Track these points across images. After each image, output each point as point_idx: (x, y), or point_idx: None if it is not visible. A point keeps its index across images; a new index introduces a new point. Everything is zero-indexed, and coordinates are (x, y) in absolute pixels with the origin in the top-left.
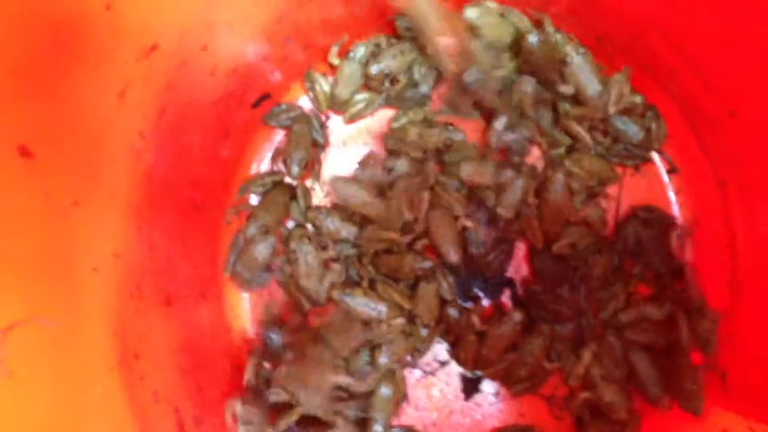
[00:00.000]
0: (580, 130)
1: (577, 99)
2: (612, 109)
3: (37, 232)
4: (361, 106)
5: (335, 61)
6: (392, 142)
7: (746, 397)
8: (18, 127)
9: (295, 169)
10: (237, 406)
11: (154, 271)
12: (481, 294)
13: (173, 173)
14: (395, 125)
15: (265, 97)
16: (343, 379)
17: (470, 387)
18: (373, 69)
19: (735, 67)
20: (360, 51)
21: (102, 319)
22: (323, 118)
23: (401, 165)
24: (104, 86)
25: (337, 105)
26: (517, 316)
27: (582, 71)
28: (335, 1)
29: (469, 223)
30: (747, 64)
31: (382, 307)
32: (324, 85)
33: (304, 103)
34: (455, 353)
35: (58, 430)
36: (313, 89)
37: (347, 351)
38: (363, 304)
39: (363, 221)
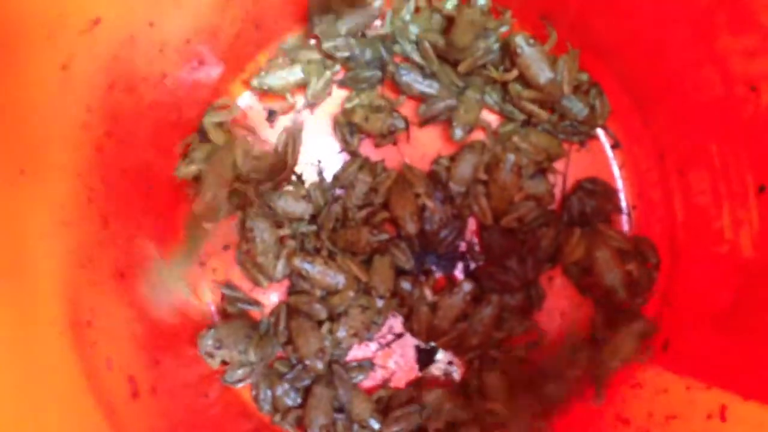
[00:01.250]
0: (533, 108)
1: (527, 83)
2: (566, 90)
3: None
4: (320, 84)
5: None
6: (341, 119)
7: (684, 359)
8: None
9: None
10: (210, 334)
11: (107, 244)
12: (434, 268)
13: (126, 149)
14: (348, 105)
15: (273, 113)
16: None
17: (425, 358)
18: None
19: (670, 44)
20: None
21: (51, 284)
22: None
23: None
24: (47, 58)
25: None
26: (467, 286)
27: (533, 61)
28: None
29: (429, 202)
30: (681, 41)
31: (341, 278)
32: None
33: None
34: (409, 325)
35: (12, 384)
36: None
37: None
38: (322, 273)
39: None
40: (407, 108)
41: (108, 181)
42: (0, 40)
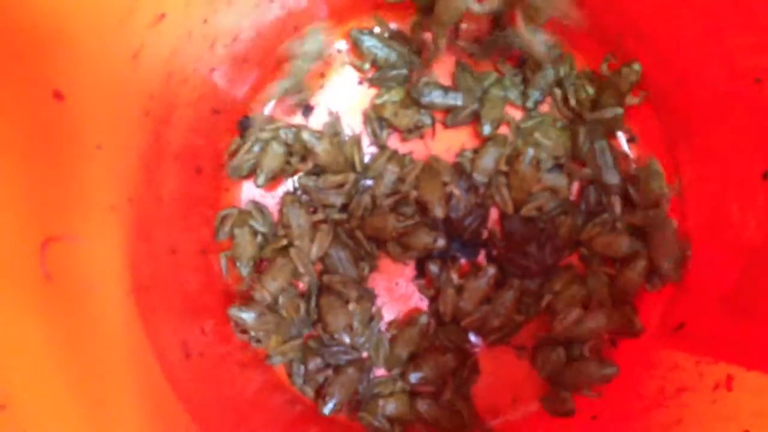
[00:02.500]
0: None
1: None
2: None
3: (66, 168)
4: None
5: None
6: (372, 115)
7: (694, 338)
8: (52, 73)
9: (261, 180)
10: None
11: (161, 221)
12: (459, 254)
13: (178, 136)
14: (377, 101)
15: (308, 109)
16: None
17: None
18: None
19: (682, 42)
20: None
21: (118, 251)
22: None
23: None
24: (121, 48)
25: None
26: (491, 270)
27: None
28: None
29: (456, 190)
30: (692, 39)
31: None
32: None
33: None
34: (435, 306)
35: (87, 339)
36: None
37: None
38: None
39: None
40: None
41: (163, 164)
42: (79, 29)
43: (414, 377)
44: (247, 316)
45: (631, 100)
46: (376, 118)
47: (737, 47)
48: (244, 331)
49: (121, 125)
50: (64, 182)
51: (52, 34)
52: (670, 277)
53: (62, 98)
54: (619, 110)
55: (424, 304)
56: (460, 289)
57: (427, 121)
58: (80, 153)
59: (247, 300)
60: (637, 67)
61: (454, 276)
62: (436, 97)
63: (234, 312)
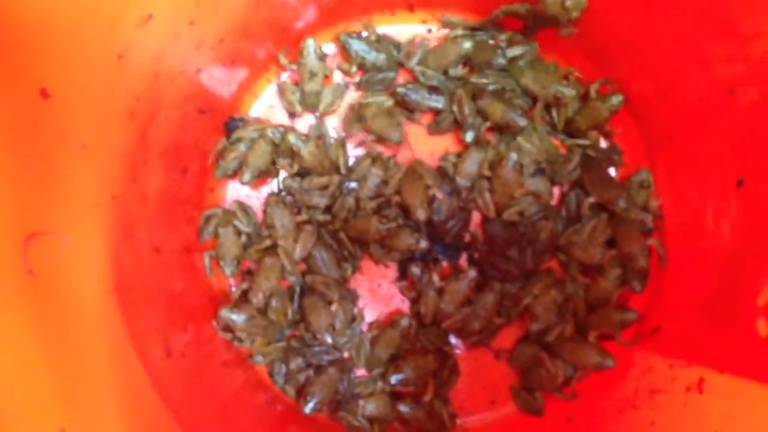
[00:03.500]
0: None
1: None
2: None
3: (51, 166)
4: (329, 96)
5: (284, 61)
6: (351, 115)
7: (669, 342)
8: (39, 72)
9: (247, 177)
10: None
11: (145, 220)
12: (441, 257)
13: (164, 135)
14: (364, 101)
15: (293, 114)
16: None
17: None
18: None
19: (662, 53)
20: (310, 45)
21: (101, 248)
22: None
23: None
24: (108, 48)
25: (310, 103)
26: (472, 273)
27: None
28: None
29: (438, 193)
30: (671, 50)
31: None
32: (293, 91)
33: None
34: (416, 308)
35: (67, 334)
36: (285, 98)
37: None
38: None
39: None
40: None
41: (148, 164)
42: (66, 29)
43: (395, 378)
44: (238, 318)
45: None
46: (356, 115)
47: (713, 58)
48: (228, 330)
49: (106, 125)
50: (49, 179)
51: (40, 33)
52: (645, 270)
53: (48, 96)
54: (588, 141)
55: (405, 306)
56: (441, 292)
57: (394, 138)
58: (65, 151)
59: (235, 301)
60: (619, 98)
61: (436, 278)
62: (420, 98)
63: (225, 313)
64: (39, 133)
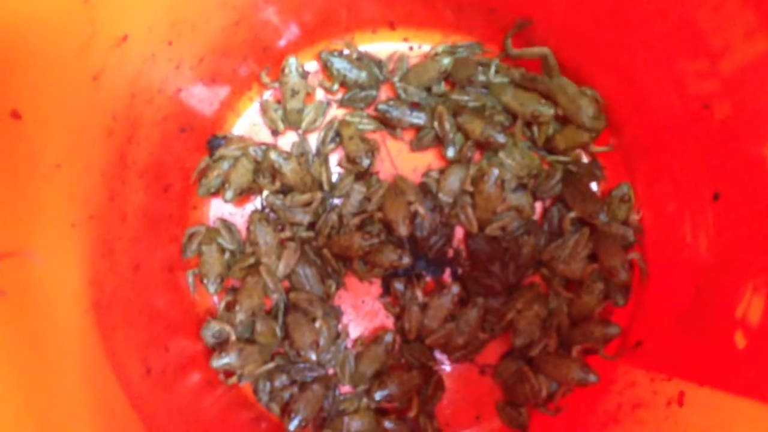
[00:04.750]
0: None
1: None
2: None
3: (22, 185)
4: (311, 114)
5: (266, 79)
6: (333, 131)
7: (650, 356)
8: (10, 93)
9: (230, 195)
10: (211, 326)
11: (125, 238)
12: (424, 272)
13: (143, 155)
14: (349, 118)
15: (276, 132)
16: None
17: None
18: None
19: (637, 69)
20: (292, 63)
21: (79, 268)
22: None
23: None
24: (81, 68)
25: (293, 121)
26: (455, 288)
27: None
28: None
29: (421, 209)
30: (646, 66)
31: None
32: (276, 108)
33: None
34: (400, 324)
35: (40, 353)
36: (267, 116)
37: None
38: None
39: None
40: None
41: (128, 182)
42: (39, 50)
43: (379, 395)
44: (230, 359)
45: (596, 148)
46: (334, 130)
47: (687, 74)
48: (229, 375)
49: (82, 144)
50: (20, 199)
51: (10, 53)
52: (627, 283)
53: (19, 117)
54: (568, 158)
55: (390, 322)
56: (424, 307)
57: (363, 163)
58: (38, 171)
59: (220, 314)
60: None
61: (419, 294)
62: (401, 114)
63: (216, 362)
64: (10, 152)
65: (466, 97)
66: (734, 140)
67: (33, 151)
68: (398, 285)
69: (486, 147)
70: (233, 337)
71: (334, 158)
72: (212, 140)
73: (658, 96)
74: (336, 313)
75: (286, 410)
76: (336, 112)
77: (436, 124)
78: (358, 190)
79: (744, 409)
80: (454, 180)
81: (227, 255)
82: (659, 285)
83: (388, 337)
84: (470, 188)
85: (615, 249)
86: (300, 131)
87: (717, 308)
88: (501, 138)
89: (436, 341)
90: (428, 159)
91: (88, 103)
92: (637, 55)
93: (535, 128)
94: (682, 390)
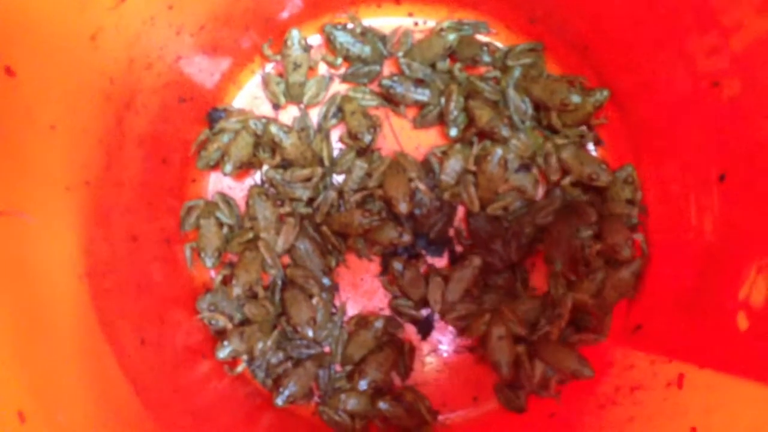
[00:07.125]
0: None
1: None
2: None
3: (15, 145)
4: (313, 88)
5: (268, 52)
6: (335, 106)
7: (651, 338)
8: (4, 50)
9: (229, 169)
10: (207, 297)
11: (121, 208)
12: (424, 252)
13: (142, 123)
14: (352, 93)
15: (277, 106)
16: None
17: (426, 327)
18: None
19: (644, 46)
20: (295, 36)
21: (73, 232)
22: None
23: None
24: (78, 28)
25: (294, 95)
26: (477, 260)
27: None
28: None
29: (421, 185)
30: (654, 42)
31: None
32: (278, 82)
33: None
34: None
35: (32, 317)
36: (268, 89)
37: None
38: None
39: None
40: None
41: (125, 150)
42: (34, 4)
43: (363, 384)
44: (234, 345)
45: (595, 121)
46: (336, 104)
47: (697, 50)
48: (234, 364)
49: (78, 107)
50: (13, 157)
51: (3, 9)
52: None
53: (13, 74)
54: (582, 130)
55: (387, 300)
56: (446, 278)
57: (365, 139)
58: (32, 131)
59: (216, 288)
60: (605, 93)
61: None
62: (405, 90)
63: (222, 352)
64: (3, 110)
65: (485, 86)
66: (742, 119)
67: (27, 109)
68: (397, 265)
69: (488, 136)
70: (229, 325)
71: (335, 134)
72: (212, 113)
73: (667, 73)
74: (332, 290)
75: (276, 384)
76: (338, 87)
77: (442, 100)
78: (360, 166)
79: (745, 390)
80: (456, 161)
81: (225, 229)
82: (662, 267)
83: (378, 323)
84: (473, 167)
85: (619, 226)
86: (301, 105)
87: (720, 290)
88: (505, 131)
89: (455, 321)
90: (431, 137)
91: (85, 64)
92: (645, 32)
93: (553, 114)
94: (682, 372)
